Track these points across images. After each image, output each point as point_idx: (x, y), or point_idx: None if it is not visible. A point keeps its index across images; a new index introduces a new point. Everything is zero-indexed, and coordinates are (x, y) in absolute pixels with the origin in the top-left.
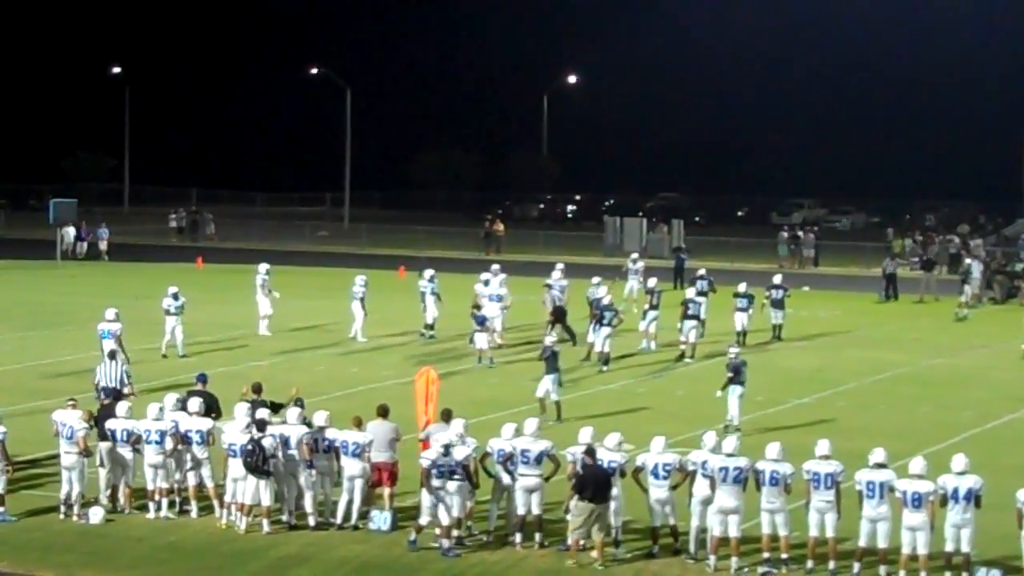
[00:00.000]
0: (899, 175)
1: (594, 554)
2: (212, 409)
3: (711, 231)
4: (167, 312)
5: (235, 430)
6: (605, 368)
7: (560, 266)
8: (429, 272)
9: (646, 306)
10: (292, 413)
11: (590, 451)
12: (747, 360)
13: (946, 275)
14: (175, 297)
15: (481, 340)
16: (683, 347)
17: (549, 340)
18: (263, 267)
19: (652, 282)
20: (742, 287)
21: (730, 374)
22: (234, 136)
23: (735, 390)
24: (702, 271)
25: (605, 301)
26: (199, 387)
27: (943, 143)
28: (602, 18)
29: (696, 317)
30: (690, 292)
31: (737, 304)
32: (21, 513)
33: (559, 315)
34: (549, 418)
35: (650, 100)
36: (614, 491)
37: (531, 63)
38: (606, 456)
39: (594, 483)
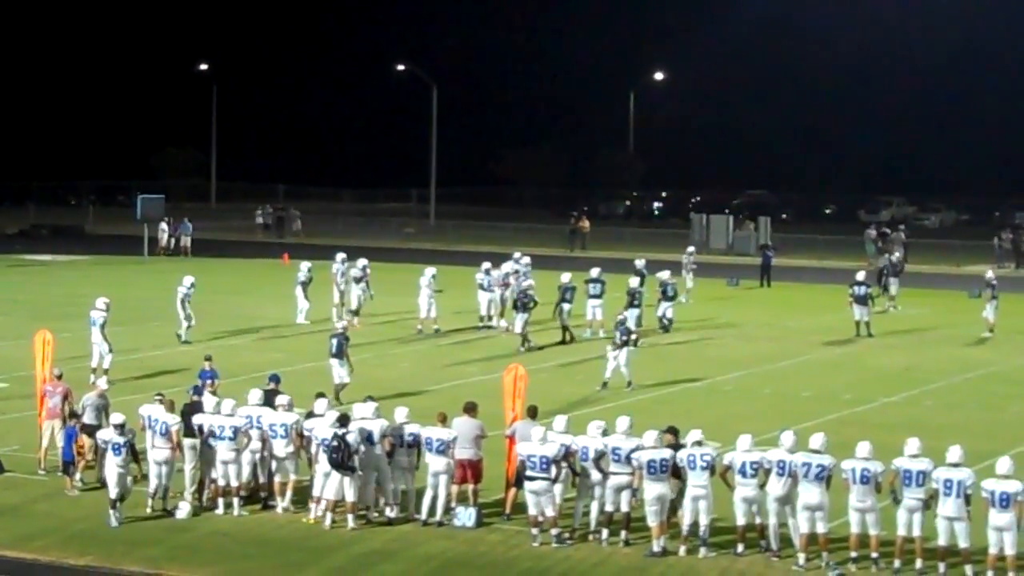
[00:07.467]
0: (989, 172)
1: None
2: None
3: (798, 228)
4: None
5: (323, 425)
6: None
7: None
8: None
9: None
10: (368, 408)
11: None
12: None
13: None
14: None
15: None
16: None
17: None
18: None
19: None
20: (860, 275)
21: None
22: (321, 133)
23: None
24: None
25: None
26: (272, 387)
27: None
28: (689, 13)
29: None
30: (634, 282)
31: (856, 292)
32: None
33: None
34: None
35: (737, 97)
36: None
37: (618, 59)
38: (697, 451)
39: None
